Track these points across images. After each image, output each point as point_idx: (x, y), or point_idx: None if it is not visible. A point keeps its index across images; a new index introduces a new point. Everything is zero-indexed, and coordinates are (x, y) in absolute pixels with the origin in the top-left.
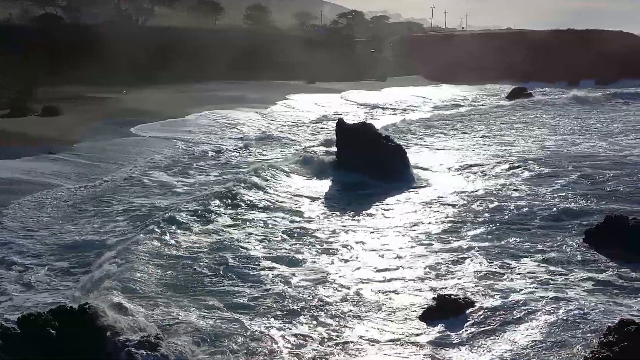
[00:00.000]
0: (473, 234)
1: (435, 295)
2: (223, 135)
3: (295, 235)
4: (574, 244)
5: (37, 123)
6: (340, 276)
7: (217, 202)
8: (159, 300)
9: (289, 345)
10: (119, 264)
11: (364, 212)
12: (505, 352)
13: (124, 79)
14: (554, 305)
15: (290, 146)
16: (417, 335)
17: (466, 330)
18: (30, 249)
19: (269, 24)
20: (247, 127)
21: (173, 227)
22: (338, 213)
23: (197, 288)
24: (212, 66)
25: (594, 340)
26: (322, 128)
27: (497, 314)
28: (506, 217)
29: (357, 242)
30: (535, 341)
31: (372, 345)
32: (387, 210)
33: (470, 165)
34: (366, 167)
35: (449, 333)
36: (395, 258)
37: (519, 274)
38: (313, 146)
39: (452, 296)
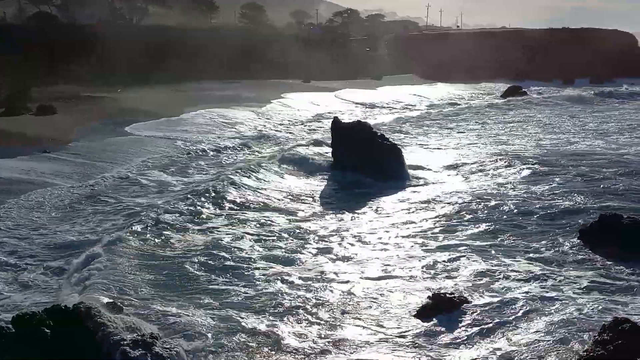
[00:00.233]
0: (469, 232)
1: (431, 294)
2: (219, 134)
3: (290, 234)
4: (569, 242)
5: (32, 122)
6: (335, 274)
7: (211, 200)
8: (154, 299)
9: (285, 343)
10: (114, 262)
11: (359, 211)
12: (500, 350)
13: (120, 79)
14: (549, 304)
15: (286, 145)
16: (413, 333)
17: (461, 329)
18: (25, 249)
19: (264, 23)
20: (243, 126)
21: (165, 226)
22: (333, 212)
23: (191, 287)
24: (207, 65)
25: (589, 339)
26: (317, 127)
27: (492, 312)
28: (502, 215)
29: (352, 241)
30: (530, 339)
31: (368, 342)
32: (383, 209)
33: (466, 164)
34: (362, 165)
35: (444, 331)
36: (390, 257)
37: (514, 272)
38: (309, 144)
39: (447, 294)
